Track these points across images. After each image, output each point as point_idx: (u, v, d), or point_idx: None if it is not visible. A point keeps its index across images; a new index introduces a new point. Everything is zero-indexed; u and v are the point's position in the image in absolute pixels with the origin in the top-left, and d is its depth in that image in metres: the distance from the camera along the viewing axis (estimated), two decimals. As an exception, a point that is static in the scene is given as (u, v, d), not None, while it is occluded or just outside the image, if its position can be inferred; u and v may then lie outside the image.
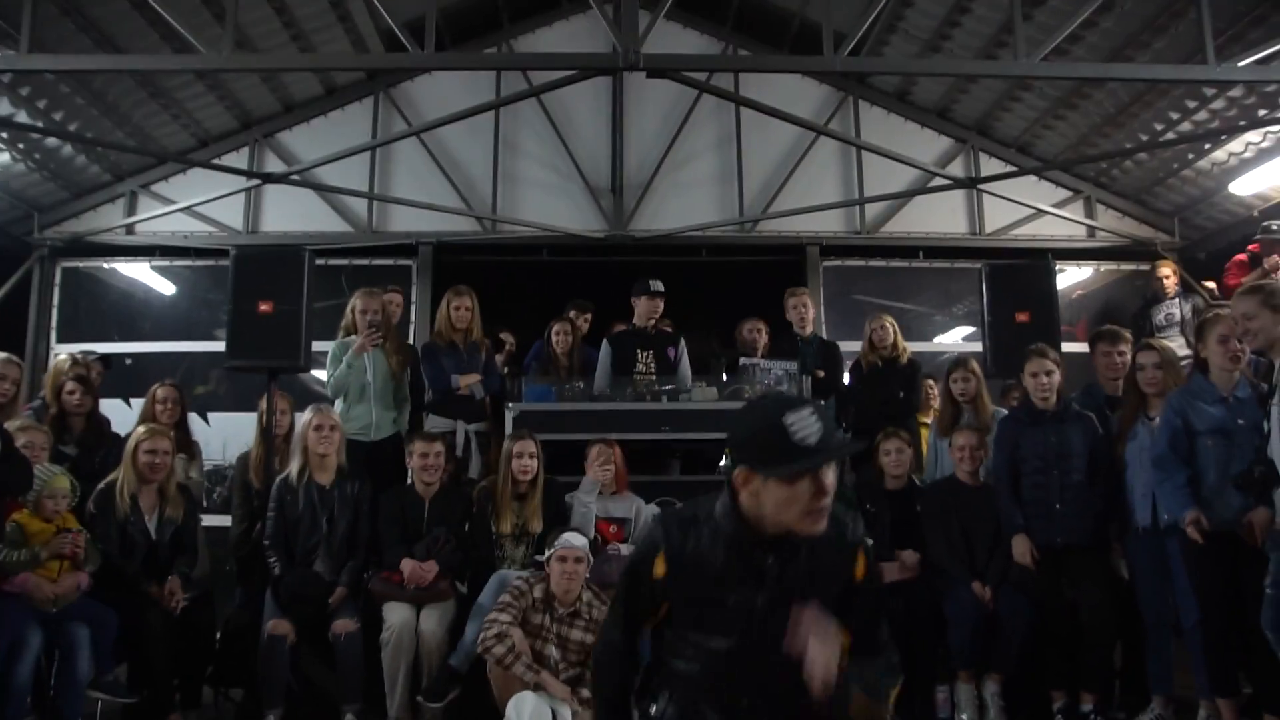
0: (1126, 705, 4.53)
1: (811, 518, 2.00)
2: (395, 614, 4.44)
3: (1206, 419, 4.05)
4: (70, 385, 5.19)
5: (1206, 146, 7.34)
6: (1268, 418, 3.74)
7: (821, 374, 6.25)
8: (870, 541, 2.23)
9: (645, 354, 5.88)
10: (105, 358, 6.17)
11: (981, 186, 8.31)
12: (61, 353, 6.98)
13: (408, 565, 4.59)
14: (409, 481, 4.96)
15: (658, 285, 5.95)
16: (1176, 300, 7.27)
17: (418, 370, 5.87)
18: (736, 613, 2.11)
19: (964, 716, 4.49)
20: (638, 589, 2.21)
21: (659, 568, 2.15)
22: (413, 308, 8.27)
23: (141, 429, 4.85)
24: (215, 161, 8.14)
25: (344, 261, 8.35)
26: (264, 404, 5.59)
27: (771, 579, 2.09)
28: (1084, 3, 5.68)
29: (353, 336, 5.66)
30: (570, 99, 8.39)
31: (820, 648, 1.96)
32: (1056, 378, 4.70)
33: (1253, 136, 6.98)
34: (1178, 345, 6.13)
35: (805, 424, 1.95)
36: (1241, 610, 3.90)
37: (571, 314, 6.56)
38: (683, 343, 6.04)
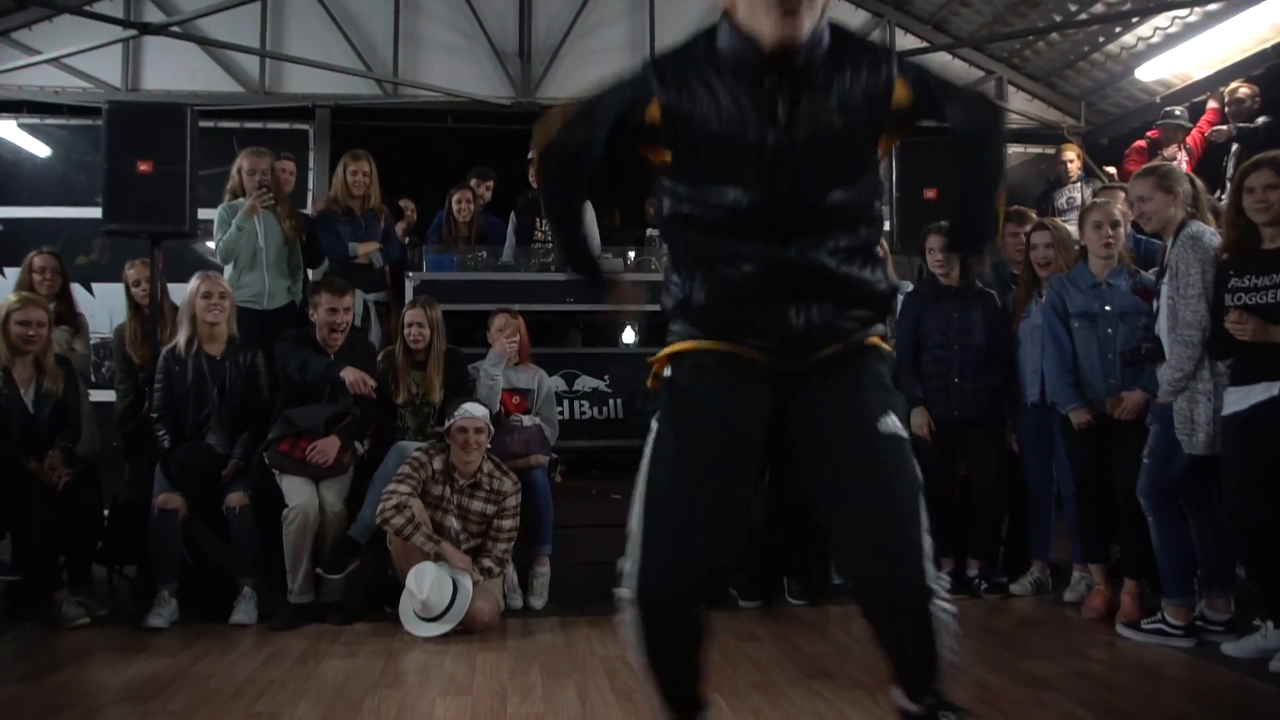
0: (1008, 571, 4.77)
1: (783, 13, 1.72)
2: (297, 492, 4.32)
3: (1076, 303, 4.19)
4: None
5: (1117, 29, 7.36)
6: (1158, 296, 3.85)
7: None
8: (910, 63, 1.92)
9: (543, 222, 5.76)
10: (-31, 221, 5.75)
11: (896, 63, 8.21)
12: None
13: (350, 373, 4.46)
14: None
15: None
16: (1079, 184, 7.38)
17: (314, 239, 5.63)
18: (751, 155, 1.83)
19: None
20: (618, 105, 1.88)
21: (653, 112, 1.85)
22: (310, 174, 7.91)
23: (13, 297, 4.55)
24: (86, 9, 7.47)
25: (235, 124, 7.92)
26: (128, 274, 5.32)
27: (786, 111, 1.81)
28: None
29: (240, 199, 5.37)
30: (478, -45, 7.93)
31: None
32: (956, 255, 4.75)
33: (1161, 21, 7.01)
34: (1077, 228, 6.25)
35: None
36: (1110, 482, 4.12)
37: (473, 182, 6.36)
38: (589, 211, 5.90)
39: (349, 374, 4.48)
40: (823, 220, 1.89)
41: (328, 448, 4.38)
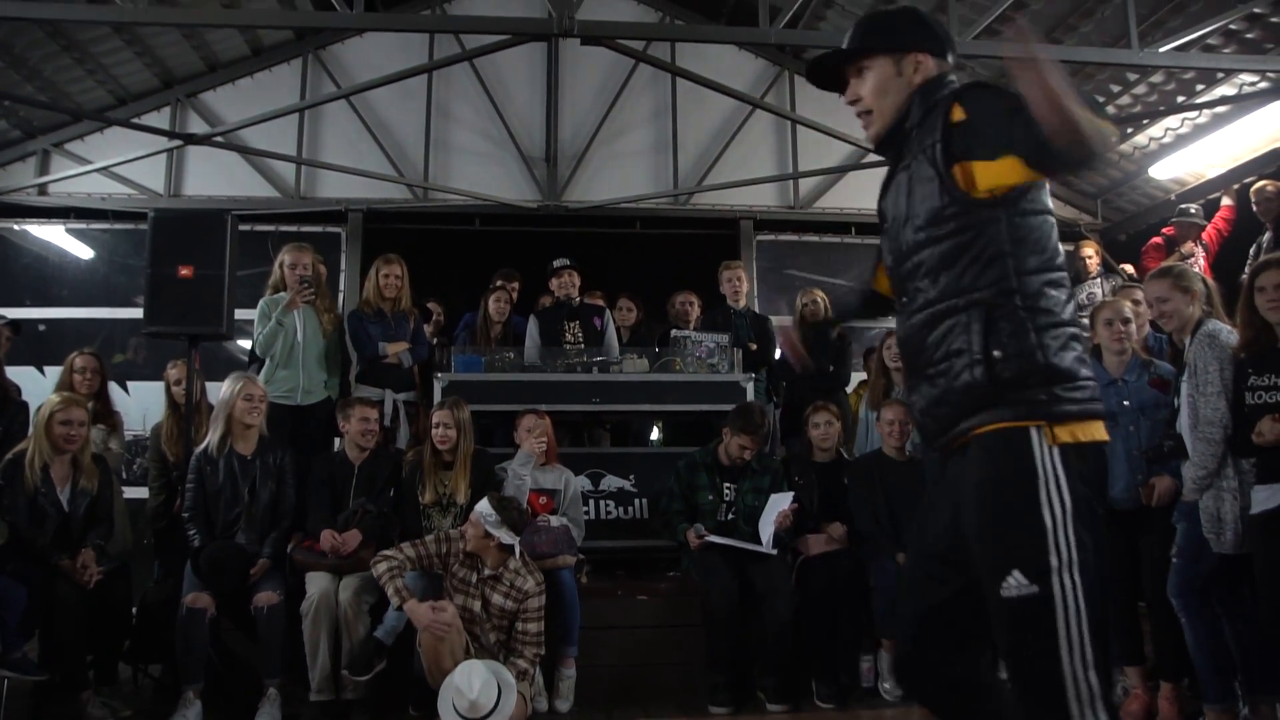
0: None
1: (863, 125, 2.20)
2: (315, 584, 4.37)
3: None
4: (-27, 352, 4.98)
5: (1129, 130, 7.54)
6: (1178, 394, 3.88)
7: (754, 347, 6.31)
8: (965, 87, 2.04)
9: (571, 325, 5.90)
10: (14, 323, 5.91)
11: (913, 164, 8.41)
12: (-33, 318, 6.68)
13: (327, 536, 4.52)
14: (338, 449, 4.88)
15: (563, 261, 5.99)
16: (1099, 280, 7.46)
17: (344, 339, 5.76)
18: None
19: (887, 685, 4.58)
20: None
21: None
22: (341, 276, 8.12)
23: (56, 398, 4.66)
24: (135, 121, 7.84)
25: (270, 228, 8.14)
26: (169, 373, 5.45)
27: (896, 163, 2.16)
28: (1014, -17, 5.78)
29: (281, 294, 5.52)
30: (505, 65, 8.28)
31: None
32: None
33: (1172, 122, 7.19)
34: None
35: None
36: (1140, 581, 4.07)
37: (499, 283, 6.50)
38: (609, 314, 6.04)
39: (325, 536, 4.52)
40: None
41: (349, 539, 4.46)
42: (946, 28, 2.23)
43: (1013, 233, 1.95)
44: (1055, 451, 1.86)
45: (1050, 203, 2.06)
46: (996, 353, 1.90)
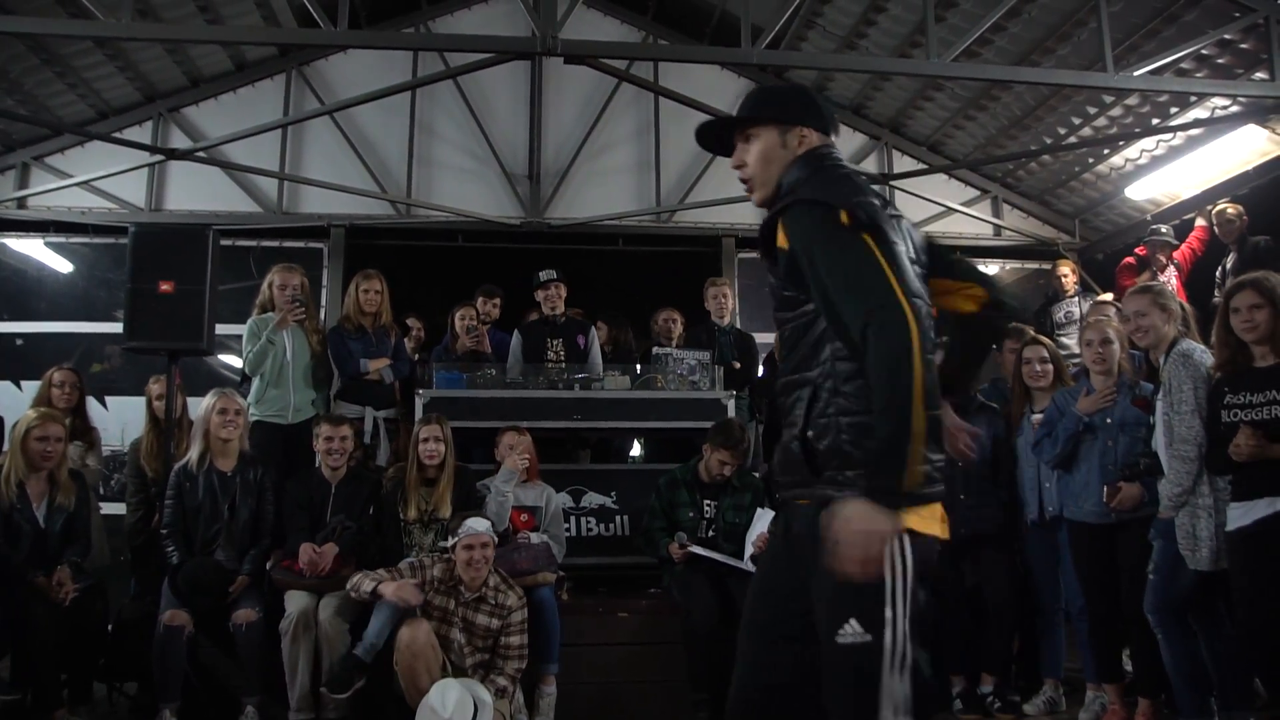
0: (1021, 690, 4.69)
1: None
2: (294, 602, 4.36)
3: (1074, 417, 4.26)
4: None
5: (1105, 151, 7.65)
6: (1154, 412, 3.93)
7: (738, 365, 6.32)
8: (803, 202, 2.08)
9: (555, 342, 5.90)
10: (-10, 337, 5.89)
11: (894, 183, 8.50)
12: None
13: (304, 552, 4.49)
14: (318, 465, 4.86)
15: (550, 273, 5.99)
16: (1076, 298, 7.54)
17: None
18: None
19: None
20: None
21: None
22: (323, 291, 8.08)
23: (33, 413, 4.64)
24: (116, 135, 7.81)
25: (252, 243, 8.11)
26: (151, 388, 5.42)
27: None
28: (993, 7, 5.86)
29: (270, 314, 5.51)
30: (488, 83, 8.30)
31: None
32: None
33: (1147, 144, 7.30)
34: (1075, 342, 6.37)
35: None
36: (1118, 597, 4.11)
37: (479, 300, 6.50)
38: (593, 331, 6.05)
39: (303, 552, 4.51)
40: None
41: (326, 553, 4.46)
42: (831, 108, 2.32)
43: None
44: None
45: None
46: (810, 432, 2.02)
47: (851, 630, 1.88)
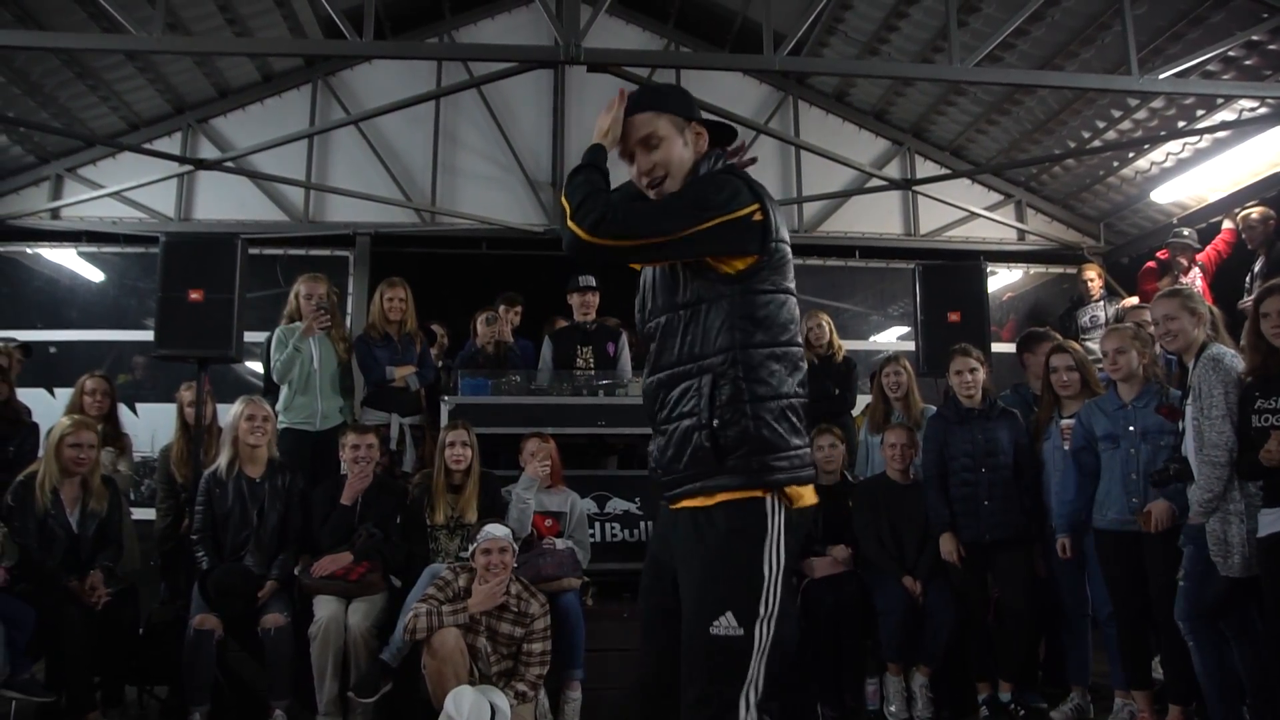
0: (1047, 696, 4.66)
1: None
2: (324, 607, 4.39)
3: (1101, 426, 4.25)
4: (-16, 374, 5.02)
5: (1130, 155, 7.60)
6: (1183, 418, 3.89)
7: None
8: None
9: (585, 349, 5.90)
10: (25, 345, 5.99)
11: (917, 188, 8.49)
12: (-21, 340, 6.73)
13: (325, 562, 4.54)
14: (344, 473, 4.90)
15: (588, 280, 5.96)
16: (1101, 303, 7.50)
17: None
18: None
19: (893, 708, 4.59)
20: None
21: (756, 216, 2.15)
22: (349, 299, 8.16)
23: (66, 420, 4.71)
24: (146, 146, 7.94)
25: (279, 251, 8.24)
26: (183, 395, 5.49)
27: None
28: (1016, 11, 5.84)
29: (297, 323, 5.58)
30: (511, 92, 8.39)
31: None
32: (980, 375, 4.82)
33: (1173, 147, 7.24)
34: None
35: None
36: (1148, 604, 4.07)
37: (500, 308, 6.53)
38: (624, 337, 6.04)
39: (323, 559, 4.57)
40: None
41: (340, 557, 4.50)
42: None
43: (742, 309, 2.13)
44: (781, 515, 2.08)
45: (791, 284, 2.26)
46: (715, 421, 2.08)
47: (726, 624, 2.01)
